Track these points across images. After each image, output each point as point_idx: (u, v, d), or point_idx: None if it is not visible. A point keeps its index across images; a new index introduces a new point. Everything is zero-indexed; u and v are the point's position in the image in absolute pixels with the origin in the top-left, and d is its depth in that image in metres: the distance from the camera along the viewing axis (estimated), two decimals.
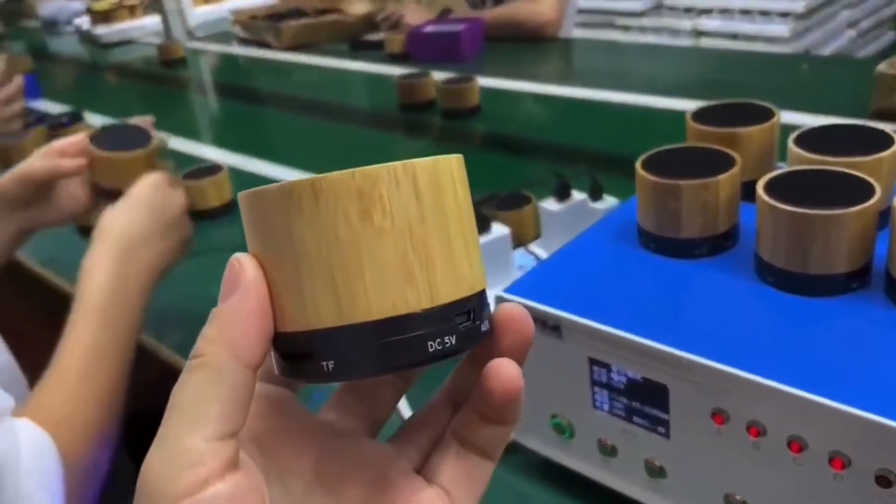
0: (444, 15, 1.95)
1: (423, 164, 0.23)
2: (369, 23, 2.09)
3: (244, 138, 1.53)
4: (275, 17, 2.16)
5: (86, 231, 1.00)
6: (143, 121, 0.84)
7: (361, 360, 0.22)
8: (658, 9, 3.43)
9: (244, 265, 0.22)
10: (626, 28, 3.49)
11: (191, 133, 1.55)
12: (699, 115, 0.61)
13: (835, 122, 0.57)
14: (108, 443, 0.62)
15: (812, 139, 0.55)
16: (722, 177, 0.51)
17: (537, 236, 0.84)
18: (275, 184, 0.22)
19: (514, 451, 0.59)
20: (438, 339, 0.22)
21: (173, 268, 0.76)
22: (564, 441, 0.55)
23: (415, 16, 1.95)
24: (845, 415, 0.39)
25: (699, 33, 3.28)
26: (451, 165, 0.24)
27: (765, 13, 3.15)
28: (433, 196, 0.23)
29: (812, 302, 0.48)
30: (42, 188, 0.81)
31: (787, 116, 1.13)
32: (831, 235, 0.46)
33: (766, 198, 0.48)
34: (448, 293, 0.23)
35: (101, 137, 0.77)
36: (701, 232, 0.53)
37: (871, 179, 0.48)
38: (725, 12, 3.24)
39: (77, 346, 0.61)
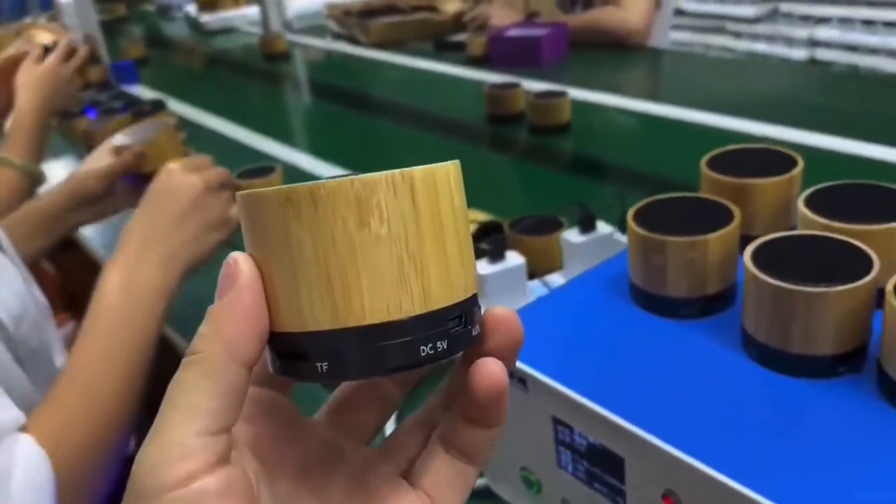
0: (530, 18, 1.92)
1: (421, 173, 0.23)
2: (458, 22, 2.08)
3: (323, 139, 1.55)
4: (367, 13, 2.18)
5: None
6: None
7: (355, 363, 0.22)
8: (773, 16, 3.26)
9: (240, 264, 0.23)
10: (737, 35, 3.34)
11: (271, 130, 1.57)
12: (715, 162, 0.57)
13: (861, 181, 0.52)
14: (112, 455, 0.62)
15: (829, 199, 0.51)
16: (712, 235, 0.48)
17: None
18: (274, 188, 0.23)
19: (490, 497, 0.57)
20: (430, 344, 0.23)
21: (210, 252, 0.73)
22: (532, 495, 0.53)
23: (501, 17, 1.93)
24: None
25: (814, 43, 3.11)
26: (449, 172, 0.24)
27: (890, 24, 2.95)
28: (430, 203, 0.23)
29: (792, 383, 0.44)
30: (111, 188, 0.88)
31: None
32: (814, 314, 0.42)
33: (749, 266, 0.44)
34: (442, 298, 0.23)
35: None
36: (688, 292, 0.49)
37: (872, 253, 0.43)
38: (845, 22, 3.05)
39: (84, 358, 0.61)
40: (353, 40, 2.18)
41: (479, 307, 0.25)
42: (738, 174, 0.55)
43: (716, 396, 0.44)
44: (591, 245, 0.75)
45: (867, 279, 0.42)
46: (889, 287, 0.41)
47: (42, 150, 1.15)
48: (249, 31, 2.51)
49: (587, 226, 0.76)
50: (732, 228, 0.49)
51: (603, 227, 0.76)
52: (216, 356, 0.22)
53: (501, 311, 0.25)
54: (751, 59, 3.19)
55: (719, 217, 0.50)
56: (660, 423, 0.42)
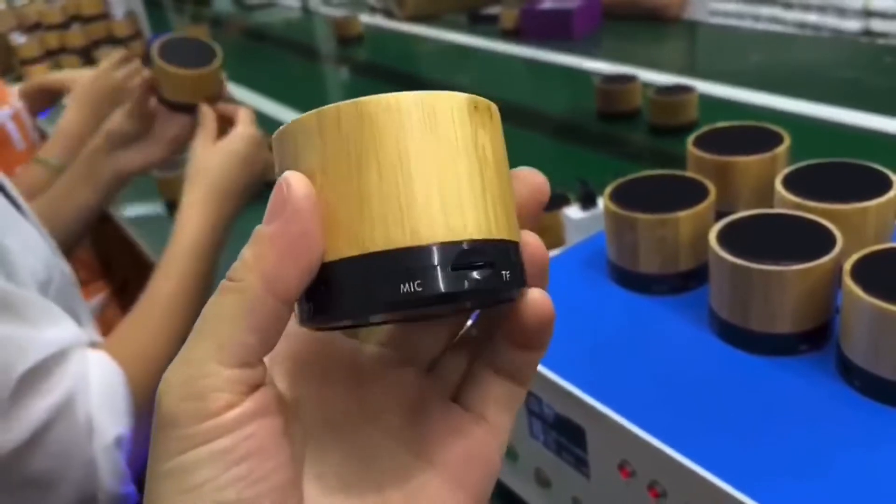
0: None
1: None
2: None
3: None
4: None
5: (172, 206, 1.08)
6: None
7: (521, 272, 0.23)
8: None
9: (293, 187, 0.20)
10: (787, 5, 3.23)
11: (307, 105, 1.58)
12: (701, 139, 0.57)
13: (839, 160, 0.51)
14: None
15: (809, 177, 0.50)
16: (682, 213, 0.48)
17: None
18: (445, 94, 0.22)
19: None
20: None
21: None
22: (509, 463, 0.55)
23: None
24: (730, 497, 0.36)
25: (870, 13, 2.99)
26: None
27: None
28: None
29: (752, 360, 0.44)
30: (145, 124, 0.88)
31: None
32: (772, 292, 0.42)
33: (713, 243, 0.45)
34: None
35: (168, 52, 0.81)
36: (660, 268, 0.50)
37: (837, 232, 0.43)
38: None
39: (166, 284, 0.66)
40: (388, 14, 2.18)
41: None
42: (723, 152, 0.55)
43: (676, 372, 0.45)
44: (591, 221, 0.75)
45: (826, 258, 0.42)
46: (847, 267, 0.41)
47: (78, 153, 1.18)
48: (289, 6, 2.53)
49: (588, 202, 0.76)
50: (704, 206, 0.49)
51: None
52: (254, 290, 0.20)
53: (529, 238, 0.24)
54: (800, 30, 3.09)
55: (696, 195, 0.50)
56: (617, 396, 0.43)
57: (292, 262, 0.20)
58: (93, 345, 0.61)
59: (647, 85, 1.21)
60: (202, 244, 0.70)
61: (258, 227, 0.21)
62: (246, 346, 0.21)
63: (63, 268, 0.81)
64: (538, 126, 1.31)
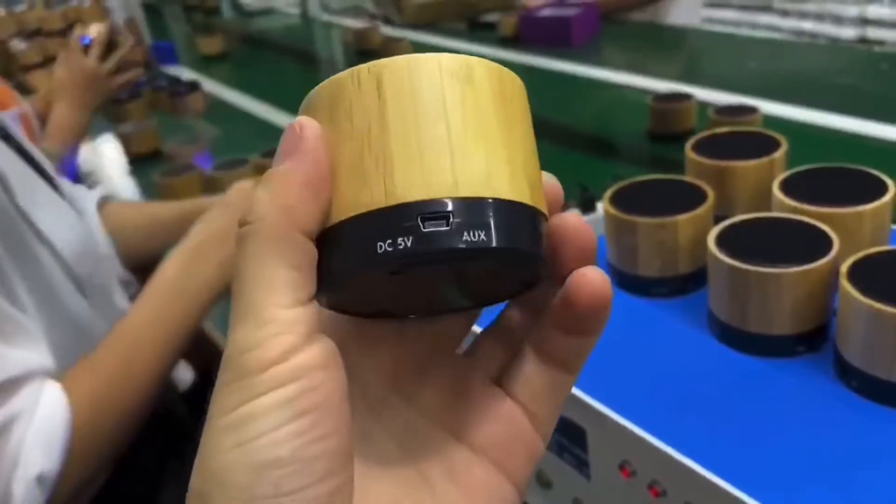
0: None
1: (392, 65, 0.22)
2: (492, 1, 2.08)
3: None
4: None
5: None
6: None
7: (347, 258, 0.21)
8: None
9: (305, 128, 0.21)
10: (784, 13, 3.25)
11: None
12: (700, 144, 0.58)
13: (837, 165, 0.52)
14: (136, 424, 0.65)
15: (806, 182, 0.51)
16: (681, 217, 0.49)
17: None
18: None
19: None
20: (390, 241, 0.20)
21: None
22: None
23: None
24: (729, 495, 0.37)
25: (865, 21, 3.01)
26: (439, 63, 0.22)
27: None
28: (400, 96, 0.22)
29: (750, 362, 0.45)
30: None
31: None
32: (769, 294, 0.43)
33: (712, 246, 0.45)
34: (410, 193, 0.21)
35: None
36: (660, 271, 0.50)
37: (833, 235, 0.44)
38: None
39: (129, 330, 0.66)
40: (388, 20, 2.20)
41: (501, 216, 0.22)
42: (722, 157, 0.56)
43: (675, 373, 0.45)
44: (591, 225, 0.76)
45: (823, 261, 0.42)
46: (843, 269, 0.41)
47: (79, 142, 1.24)
48: (288, 12, 2.54)
49: (588, 207, 0.77)
50: (703, 210, 0.50)
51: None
52: (276, 224, 0.20)
53: (571, 218, 0.23)
54: (796, 37, 3.11)
55: (695, 199, 0.51)
56: (617, 398, 0.44)
57: (310, 195, 0.20)
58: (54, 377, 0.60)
59: (704, 104, 1.12)
60: (168, 295, 0.69)
61: (269, 171, 0.21)
62: (291, 281, 0.20)
63: (103, 250, 0.82)
64: (575, 142, 1.26)
